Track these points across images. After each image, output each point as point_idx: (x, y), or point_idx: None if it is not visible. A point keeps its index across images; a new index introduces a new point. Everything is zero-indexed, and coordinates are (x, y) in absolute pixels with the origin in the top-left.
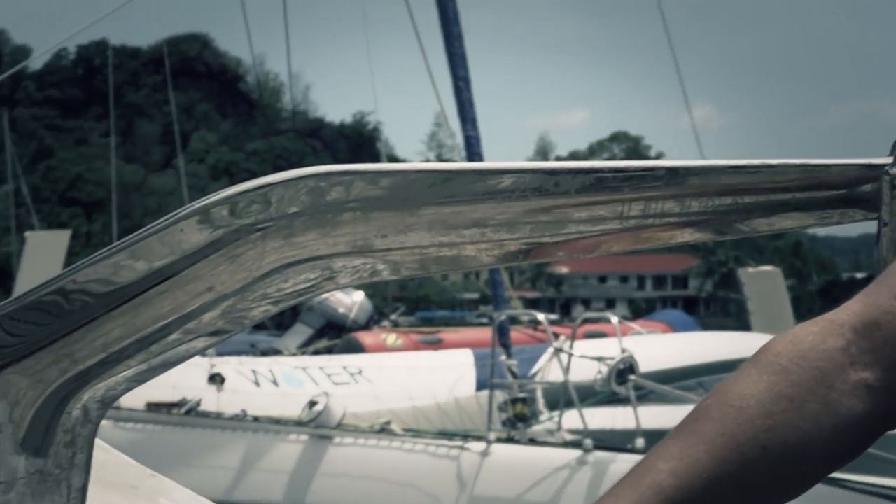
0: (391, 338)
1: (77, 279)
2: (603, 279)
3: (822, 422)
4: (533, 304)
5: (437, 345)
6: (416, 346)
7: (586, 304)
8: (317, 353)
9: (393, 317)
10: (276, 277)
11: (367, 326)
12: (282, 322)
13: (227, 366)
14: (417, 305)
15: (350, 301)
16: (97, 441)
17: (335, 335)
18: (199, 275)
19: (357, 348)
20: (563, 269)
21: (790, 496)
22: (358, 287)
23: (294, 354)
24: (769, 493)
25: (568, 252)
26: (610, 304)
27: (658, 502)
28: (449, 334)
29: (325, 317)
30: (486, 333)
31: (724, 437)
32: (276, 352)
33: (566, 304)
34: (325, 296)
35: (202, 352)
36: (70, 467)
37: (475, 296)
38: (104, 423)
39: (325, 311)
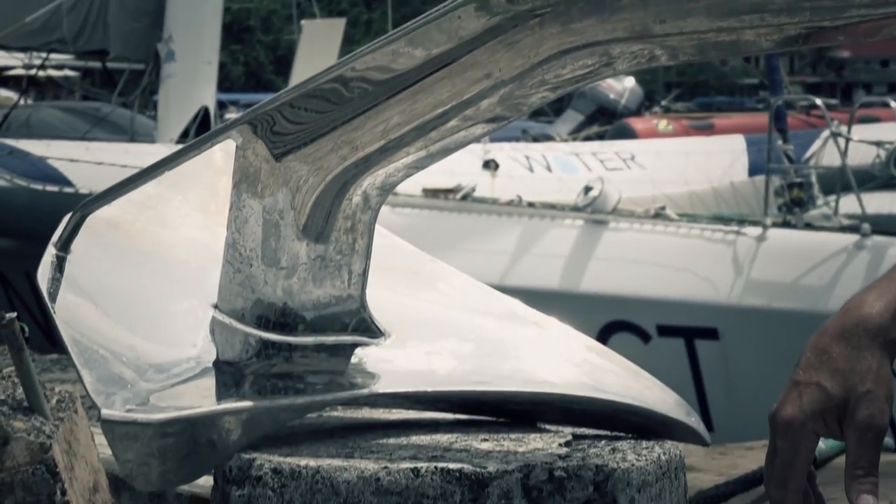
0: (662, 123)
1: (356, 66)
2: (885, 63)
3: None
4: (813, 88)
5: (708, 130)
6: (687, 132)
7: (867, 88)
8: (588, 138)
9: (664, 102)
10: (554, 64)
11: (637, 112)
12: (560, 107)
13: (501, 152)
14: (696, 91)
15: (621, 87)
16: (377, 227)
17: (606, 121)
18: (476, 62)
19: (628, 134)
20: (845, 54)
21: None
22: (635, 73)
23: (566, 140)
24: None
25: (849, 36)
26: (892, 89)
27: None
28: (720, 120)
29: (596, 102)
30: (757, 119)
31: None
32: (548, 138)
33: (847, 88)
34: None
35: (480, 138)
36: (351, 253)
37: (754, 81)
38: (381, 209)
39: (597, 97)
